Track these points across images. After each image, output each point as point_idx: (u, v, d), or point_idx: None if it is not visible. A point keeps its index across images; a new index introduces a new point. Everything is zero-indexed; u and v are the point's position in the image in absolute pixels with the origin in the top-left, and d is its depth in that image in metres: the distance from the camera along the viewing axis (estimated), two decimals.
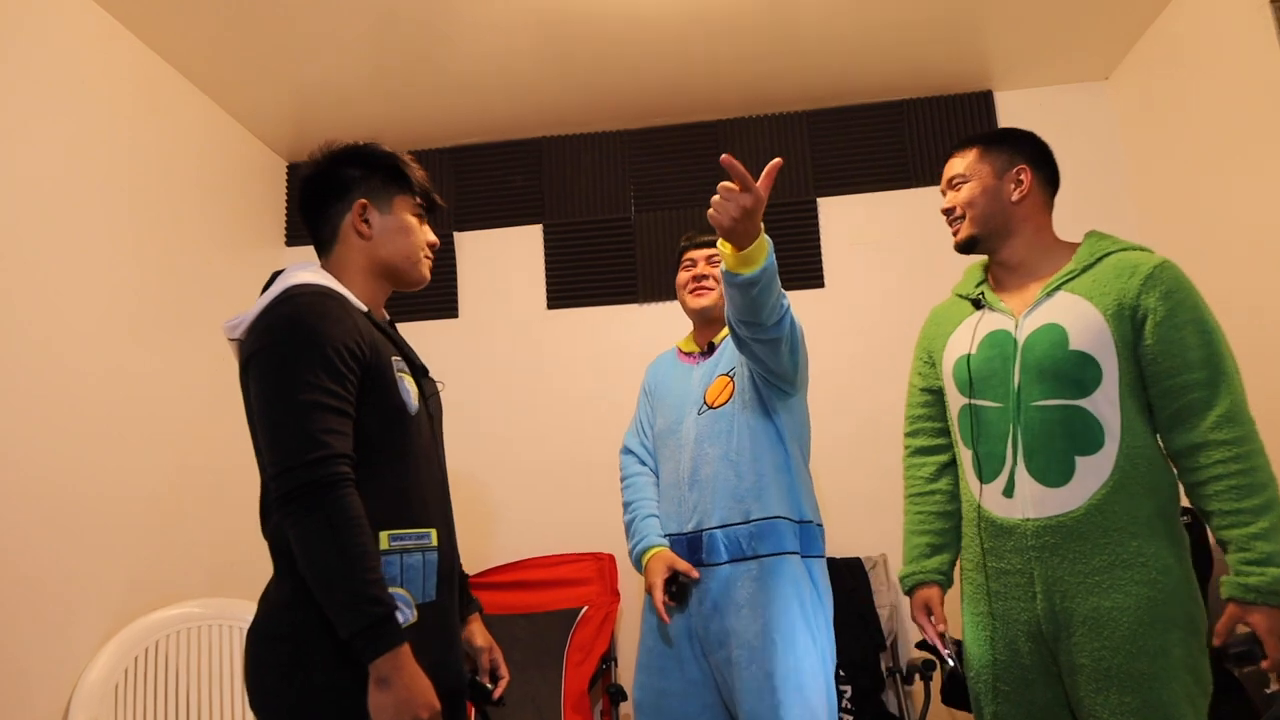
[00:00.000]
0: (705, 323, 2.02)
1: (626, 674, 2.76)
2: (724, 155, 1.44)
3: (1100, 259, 1.56)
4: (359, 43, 2.60)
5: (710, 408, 1.89)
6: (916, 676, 2.43)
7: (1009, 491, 1.56)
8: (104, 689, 2.02)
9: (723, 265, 1.59)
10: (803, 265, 3.08)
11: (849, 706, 2.54)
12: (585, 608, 2.79)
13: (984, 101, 3.08)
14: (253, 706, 1.28)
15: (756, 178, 1.49)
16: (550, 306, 3.19)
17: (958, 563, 1.77)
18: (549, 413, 3.11)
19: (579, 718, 2.59)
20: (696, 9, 2.52)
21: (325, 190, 1.46)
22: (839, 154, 3.13)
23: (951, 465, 1.78)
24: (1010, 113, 3.05)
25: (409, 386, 1.39)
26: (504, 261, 3.24)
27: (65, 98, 2.18)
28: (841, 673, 2.57)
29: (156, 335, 2.45)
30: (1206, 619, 1.48)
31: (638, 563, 1.90)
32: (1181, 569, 1.47)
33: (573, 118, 3.15)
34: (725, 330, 1.98)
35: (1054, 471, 1.51)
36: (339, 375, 1.26)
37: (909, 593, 1.79)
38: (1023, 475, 1.54)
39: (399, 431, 1.35)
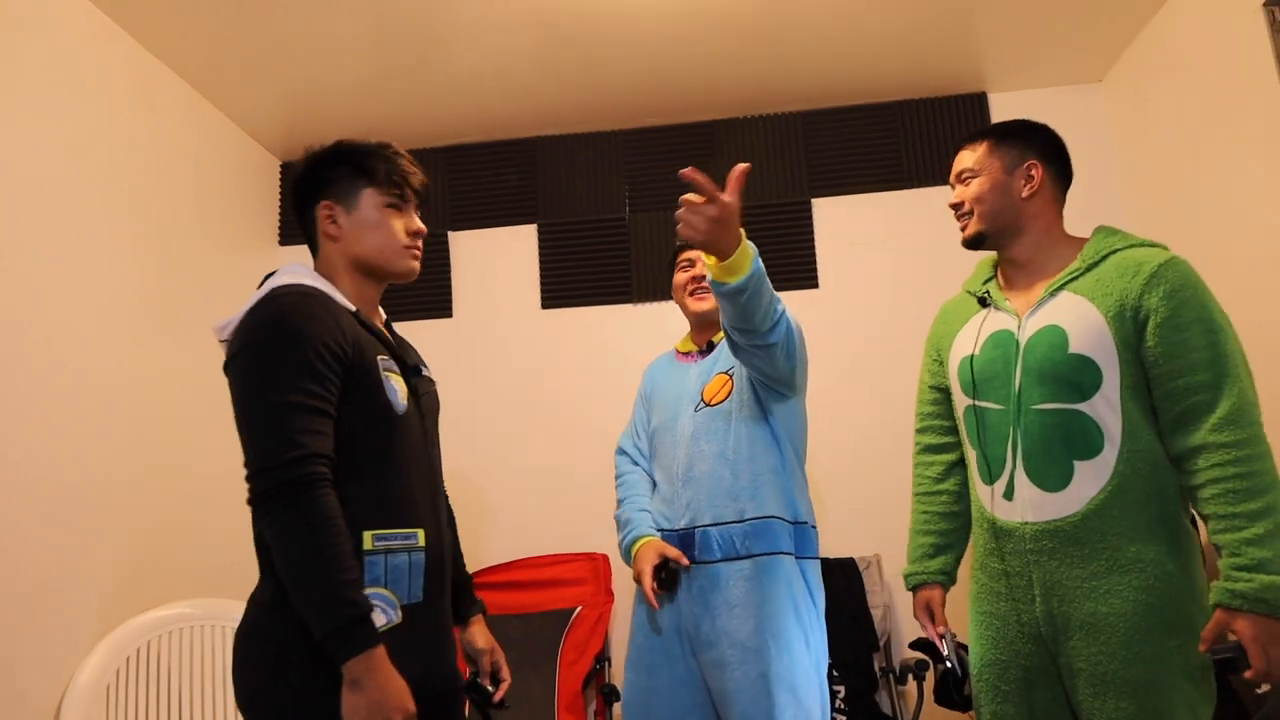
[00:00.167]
0: (704, 324, 2.00)
1: (620, 674, 2.76)
2: (684, 169, 1.41)
3: (1105, 257, 1.52)
4: (353, 41, 2.59)
5: (707, 405, 1.87)
6: (910, 677, 2.43)
7: (1009, 494, 1.56)
8: (95, 690, 2.01)
9: (708, 276, 1.57)
10: (797, 266, 3.08)
11: (842, 707, 2.54)
12: (579, 608, 2.79)
13: (978, 103, 3.09)
14: (239, 707, 1.28)
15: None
16: (545, 306, 3.19)
17: (965, 560, 1.77)
18: (543, 412, 3.11)
19: (573, 717, 2.59)
20: (691, 9, 2.52)
21: (302, 194, 1.47)
22: (833, 155, 3.13)
23: (960, 465, 1.78)
24: (1004, 114, 3.05)
25: (396, 386, 1.38)
26: (498, 261, 3.23)
27: (59, 96, 2.17)
28: (835, 673, 2.56)
29: (150, 334, 2.44)
30: None
31: (627, 554, 1.89)
32: (1184, 575, 1.43)
33: (567, 117, 3.15)
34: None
35: (1052, 476, 1.49)
36: (318, 376, 1.25)
37: (912, 591, 1.80)
38: (1022, 479, 1.53)
39: (384, 431, 1.34)
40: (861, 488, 2.90)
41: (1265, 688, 1.89)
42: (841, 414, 2.92)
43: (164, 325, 2.50)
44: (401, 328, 1.64)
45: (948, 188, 2.96)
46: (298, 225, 1.51)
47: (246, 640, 1.28)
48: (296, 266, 1.41)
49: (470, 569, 2.87)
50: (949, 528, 1.77)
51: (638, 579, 1.80)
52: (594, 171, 3.22)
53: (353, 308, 1.40)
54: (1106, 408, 1.46)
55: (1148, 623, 1.41)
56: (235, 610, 1.32)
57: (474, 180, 3.27)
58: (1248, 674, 1.31)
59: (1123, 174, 2.95)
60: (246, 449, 1.24)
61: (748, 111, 3.17)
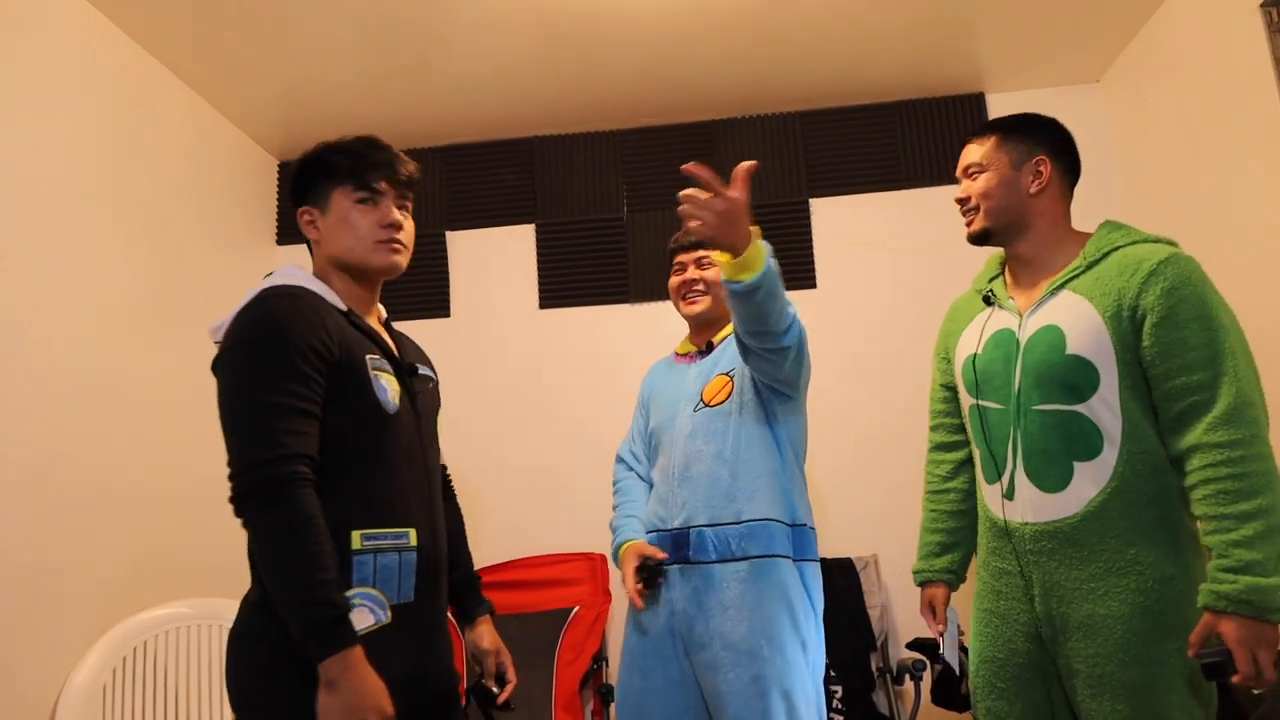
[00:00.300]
0: (702, 325, 1.99)
1: (617, 674, 2.76)
2: (687, 164, 1.38)
3: (1106, 254, 1.50)
4: (350, 40, 2.59)
5: (707, 405, 1.86)
6: (907, 677, 2.43)
7: (1010, 494, 1.55)
8: (91, 690, 2.01)
9: (721, 275, 1.53)
10: (795, 266, 3.08)
11: (839, 707, 2.54)
12: (577, 608, 2.79)
13: (976, 103, 3.09)
14: (232, 707, 1.28)
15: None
16: (542, 306, 3.19)
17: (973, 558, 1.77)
18: (541, 412, 3.11)
19: (570, 717, 2.59)
20: (689, 9, 2.52)
21: (293, 201, 1.49)
22: (832, 155, 3.13)
23: (969, 463, 1.78)
24: (1002, 115, 3.06)
25: (386, 385, 1.37)
26: (496, 261, 3.23)
27: (54, 95, 2.17)
28: (832, 673, 2.57)
29: (146, 334, 2.43)
30: None
31: (616, 560, 1.90)
32: (1184, 579, 1.40)
33: (565, 117, 3.15)
34: (725, 330, 1.95)
35: (1051, 477, 1.49)
36: (301, 376, 1.25)
37: (920, 588, 1.81)
38: (1022, 479, 1.53)
39: (373, 431, 1.34)
40: (859, 488, 2.91)
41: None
42: (839, 414, 2.92)
43: (159, 325, 2.50)
44: (399, 327, 1.64)
45: (946, 188, 3.04)
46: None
47: (238, 641, 1.28)
48: (292, 268, 1.41)
49: None
50: (956, 526, 1.77)
51: (625, 583, 1.81)
52: (592, 171, 3.22)
53: (344, 307, 1.39)
54: (1105, 409, 1.44)
55: (1145, 625, 1.40)
56: (231, 610, 1.32)
57: (472, 180, 3.27)
58: (1234, 678, 1.29)
59: (1121, 174, 2.95)
60: (229, 449, 1.24)
61: (746, 111, 3.17)
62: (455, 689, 1.49)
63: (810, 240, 3.10)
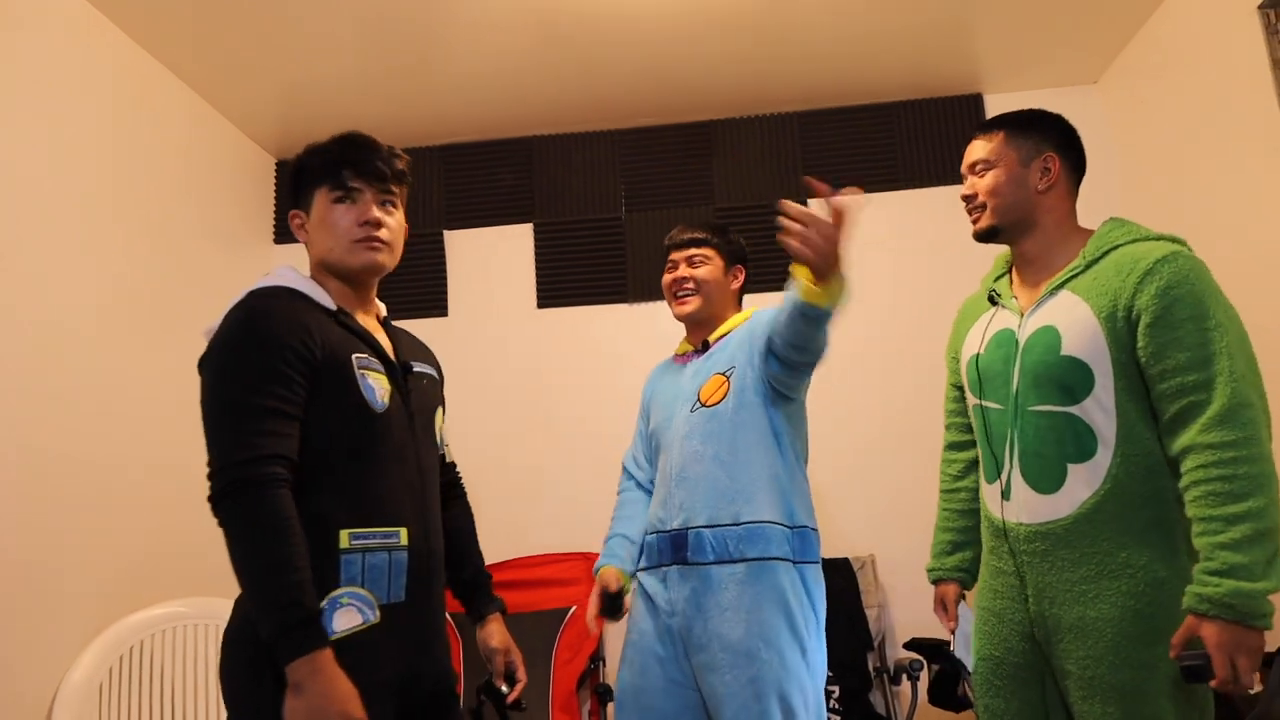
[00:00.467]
0: (696, 325, 1.98)
1: (614, 674, 2.75)
2: (809, 178, 1.32)
3: (1106, 253, 1.47)
4: (349, 39, 2.59)
5: (703, 405, 1.85)
6: (904, 677, 2.43)
7: (1007, 494, 1.55)
8: (88, 689, 2.01)
9: (798, 295, 1.49)
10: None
11: (836, 707, 2.54)
12: (573, 607, 2.78)
13: (974, 104, 3.09)
14: (225, 706, 1.28)
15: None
16: (540, 306, 3.19)
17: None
18: (538, 412, 3.11)
19: (567, 717, 2.59)
20: (688, 9, 2.52)
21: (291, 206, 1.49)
22: (830, 155, 3.13)
23: (978, 462, 1.77)
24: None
25: (374, 384, 1.36)
26: (494, 260, 3.23)
27: (52, 93, 2.16)
28: (830, 673, 2.57)
29: (142, 332, 2.43)
30: None
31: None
32: (1178, 582, 1.36)
33: (563, 117, 3.15)
34: (721, 329, 1.95)
35: (1045, 478, 1.48)
36: (280, 377, 1.25)
37: (934, 585, 1.82)
38: (1018, 479, 1.52)
39: (360, 430, 1.33)
40: (857, 488, 2.91)
41: (1257, 688, 1.89)
42: (837, 414, 2.92)
43: (156, 324, 2.49)
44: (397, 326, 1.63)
45: (944, 188, 3.04)
46: None
47: (228, 641, 1.29)
48: (285, 269, 1.41)
49: None
50: (968, 524, 1.77)
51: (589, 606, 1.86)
52: (590, 171, 3.22)
53: (333, 307, 1.39)
54: (1099, 411, 1.43)
55: (1136, 629, 1.38)
56: (228, 610, 1.32)
57: (470, 179, 3.27)
58: (1213, 683, 1.28)
59: (1119, 175, 2.96)
60: (208, 449, 1.24)
61: (744, 112, 3.17)
62: (453, 689, 1.48)
63: None
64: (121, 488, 2.27)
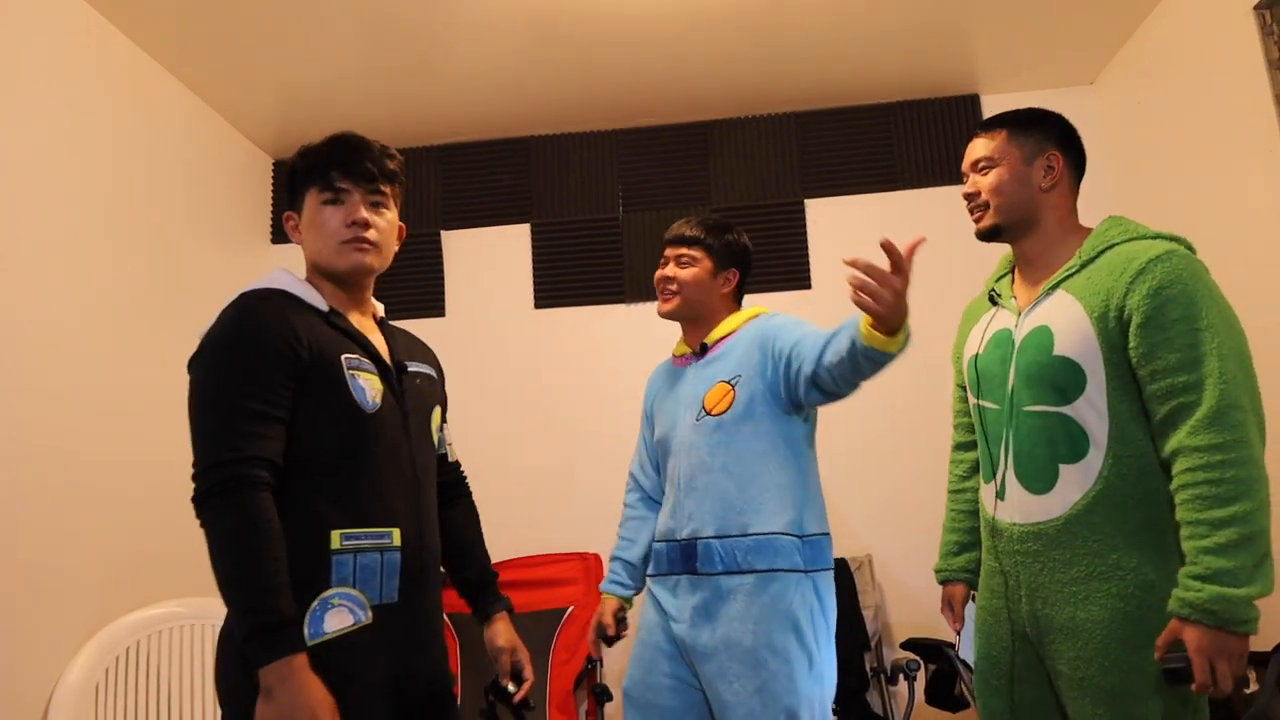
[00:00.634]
0: (688, 325, 1.96)
1: (611, 674, 2.76)
2: (884, 239, 1.32)
3: (1102, 252, 1.46)
4: (346, 39, 2.59)
5: (709, 414, 1.82)
6: (901, 677, 2.43)
7: (1001, 494, 1.56)
8: (84, 689, 2.01)
9: (862, 341, 1.48)
10: (790, 266, 3.09)
11: (834, 707, 2.54)
12: (571, 608, 2.78)
13: (970, 105, 3.10)
14: (220, 704, 1.28)
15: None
16: (538, 306, 3.19)
17: None
18: (536, 412, 3.11)
19: (564, 717, 2.59)
20: (686, 9, 2.52)
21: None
22: (827, 155, 3.14)
23: None
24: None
25: (364, 384, 1.35)
26: (491, 260, 3.23)
27: (50, 93, 2.16)
28: None
29: (138, 332, 2.43)
30: None
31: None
32: (1168, 585, 1.35)
33: (561, 117, 3.15)
34: (718, 331, 1.91)
35: (1038, 478, 1.48)
36: (265, 379, 1.25)
37: (941, 585, 1.83)
38: (1012, 480, 1.53)
39: (350, 430, 1.33)
40: (854, 488, 2.91)
41: (1254, 688, 1.90)
42: (834, 415, 2.89)
43: (153, 323, 2.49)
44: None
45: (941, 189, 3.04)
46: None
47: (222, 640, 1.29)
48: (278, 272, 1.41)
49: None
50: (974, 525, 1.76)
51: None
52: (588, 171, 3.22)
53: (325, 308, 1.39)
54: (1091, 411, 1.42)
55: (1125, 631, 1.37)
56: (224, 610, 1.32)
57: (468, 179, 3.26)
58: (1193, 686, 1.27)
59: (1114, 176, 2.96)
60: (193, 449, 1.24)
61: (741, 112, 3.17)
62: (449, 691, 1.47)
63: (805, 240, 3.10)
64: (118, 487, 2.26)
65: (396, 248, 1.51)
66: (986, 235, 1.62)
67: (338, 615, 1.26)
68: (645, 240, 3.15)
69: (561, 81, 2.89)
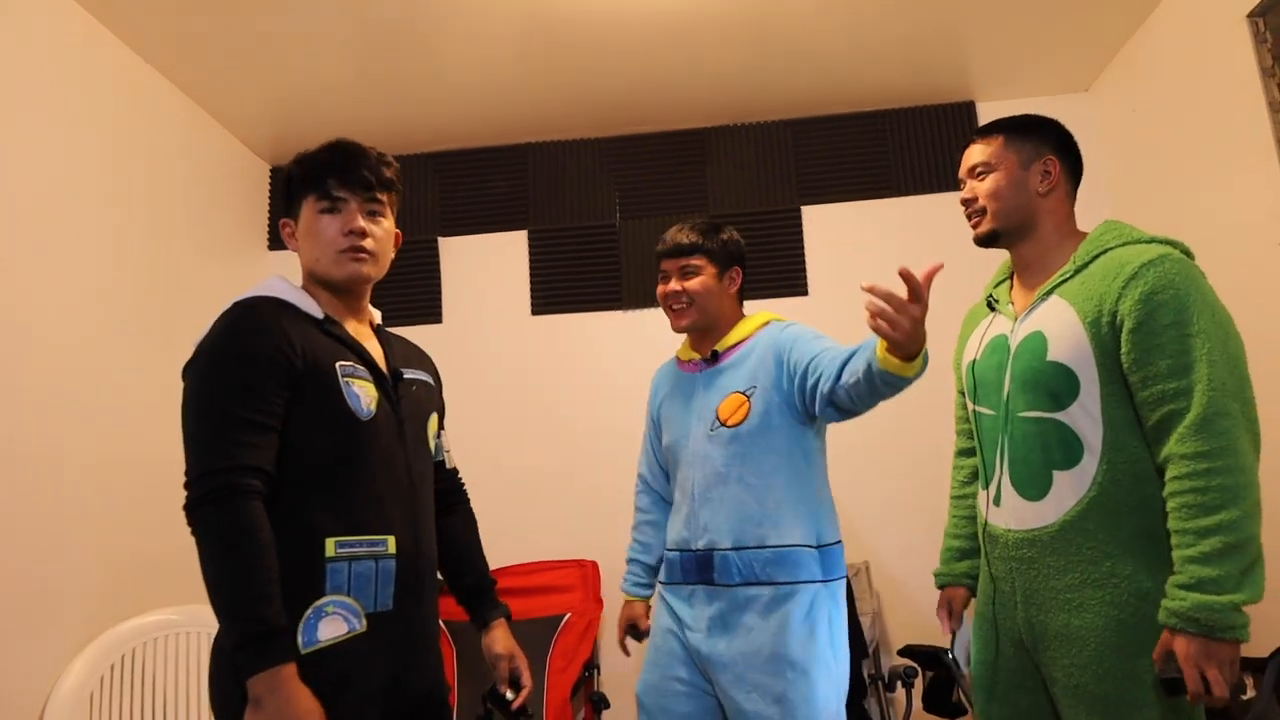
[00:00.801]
0: (699, 333, 1.93)
1: (609, 682, 2.75)
2: (902, 268, 1.32)
3: (1096, 257, 1.46)
4: (343, 46, 2.59)
5: (724, 425, 1.80)
6: (898, 684, 2.43)
7: (997, 500, 1.56)
8: (79, 697, 2.00)
9: (879, 365, 1.46)
10: (786, 273, 3.09)
11: None
12: (568, 615, 2.78)
13: (966, 112, 3.11)
14: (213, 713, 1.28)
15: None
16: (535, 312, 3.19)
17: None
18: (533, 418, 3.11)
19: None
20: (682, 17, 2.53)
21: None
22: (822, 163, 3.15)
23: None
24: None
25: (359, 392, 1.35)
26: (488, 267, 3.23)
27: (45, 99, 2.16)
28: None
29: (136, 338, 2.42)
30: None
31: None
32: (1162, 593, 1.33)
33: (558, 124, 3.15)
34: (729, 338, 1.89)
35: (1032, 484, 1.48)
36: (257, 388, 1.25)
37: (940, 590, 1.82)
38: (1007, 486, 1.52)
39: (344, 438, 1.32)
40: (851, 495, 2.90)
41: (1250, 694, 1.90)
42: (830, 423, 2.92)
43: (148, 331, 2.49)
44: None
45: (936, 195, 3.05)
46: None
47: (215, 650, 1.28)
48: (274, 279, 1.41)
49: None
50: (974, 531, 1.76)
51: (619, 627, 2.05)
52: (584, 178, 3.22)
53: (320, 315, 1.39)
54: (1085, 417, 1.42)
55: (1119, 640, 1.37)
56: None
57: (464, 186, 3.27)
58: (1187, 696, 1.27)
59: (1110, 182, 2.97)
60: (185, 457, 1.24)
61: (737, 119, 3.18)
62: (444, 699, 1.47)
63: (802, 247, 3.11)
64: (114, 494, 2.26)
65: (393, 255, 1.51)
66: (984, 240, 1.61)
67: (332, 623, 1.25)
68: (642, 247, 3.15)
69: (558, 88, 2.90)
